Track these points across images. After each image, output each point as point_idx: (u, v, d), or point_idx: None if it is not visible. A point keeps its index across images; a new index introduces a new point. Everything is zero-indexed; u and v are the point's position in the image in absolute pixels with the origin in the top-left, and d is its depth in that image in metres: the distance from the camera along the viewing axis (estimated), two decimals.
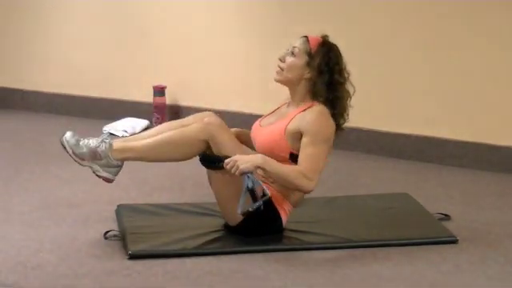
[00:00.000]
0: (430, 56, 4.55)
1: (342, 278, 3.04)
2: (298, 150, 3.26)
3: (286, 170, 3.21)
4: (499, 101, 4.44)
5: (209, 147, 3.27)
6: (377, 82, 4.69)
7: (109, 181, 3.33)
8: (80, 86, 5.52)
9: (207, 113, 3.45)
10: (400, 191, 4.00)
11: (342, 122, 3.36)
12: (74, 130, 3.34)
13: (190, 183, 3.99)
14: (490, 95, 4.46)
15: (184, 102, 5.26)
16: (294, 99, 3.38)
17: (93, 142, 3.27)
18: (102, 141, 3.27)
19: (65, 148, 3.27)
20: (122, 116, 5.30)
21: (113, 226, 3.47)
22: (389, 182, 4.26)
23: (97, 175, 3.31)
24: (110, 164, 3.28)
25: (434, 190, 4.11)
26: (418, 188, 4.10)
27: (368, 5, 4.64)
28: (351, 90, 3.35)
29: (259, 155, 3.22)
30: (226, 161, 3.16)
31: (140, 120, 5.26)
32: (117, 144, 3.29)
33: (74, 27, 5.50)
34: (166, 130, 3.37)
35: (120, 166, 3.31)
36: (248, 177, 3.15)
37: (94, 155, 3.26)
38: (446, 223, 3.58)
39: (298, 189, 3.26)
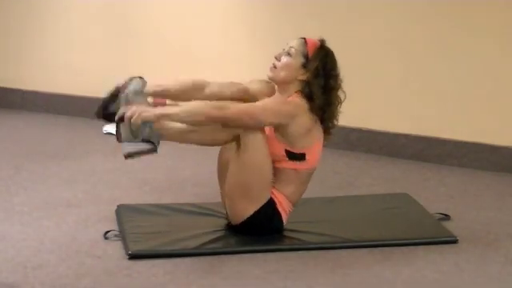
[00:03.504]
0: (430, 56, 4.55)
1: (342, 278, 3.04)
2: (292, 146, 3.27)
3: (192, 106, 3.22)
4: (499, 101, 4.44)
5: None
6: (377, 81, 4.69)
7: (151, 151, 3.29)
8: (80, 86, 5.52)
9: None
10: (400, 191, 4.00)
11: (330, 126, 3.37)
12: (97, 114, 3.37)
13: (190, 183, 3.99)
14: (490, 95, 4.46)
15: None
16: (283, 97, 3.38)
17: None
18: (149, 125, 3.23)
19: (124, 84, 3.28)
20: None
21: (113, 225, 3.47)
22: (389, 181, 4.26)
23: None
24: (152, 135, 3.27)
25: (434, 190, 4.11)
26: (417, 188, 4.10)
27: (368, 5, 4.64)
28: (342, 97, 3.35)
29: (156, 108, 3.22)
30: (125, 111, 3.17)
31: None
32: (157, 124, 3.26)
33: (74, 27, 5.50)
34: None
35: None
36: (147, 125, 3.18)
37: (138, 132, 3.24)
38: (446, 223, 3.58)
39: (210, 120, 3.21)
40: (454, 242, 3.38)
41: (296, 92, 3.33)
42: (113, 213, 3.62)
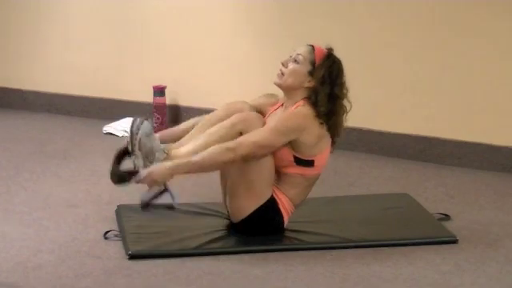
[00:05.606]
0: (430, 56, 4.55)
1: (342, 278, 3.04)
2: (301, 153, 3.27)
3: (204, 155, 3.17)
4: (499, 101, 4.44)
5: None
6: (377, 81, 4.69)
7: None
8: (80, 86, 5.52)
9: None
10: (400, 191, 4.00)
11: (335, 134, 3.36)
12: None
13: (190, 183, 3.98)
14: (489, 95, 4.46)
15: (184, 102, 5.26)
16: (288, 104, 3.37)
17: (157, 144, 3.27)
18: (163, 150, 3.28)
19: (134, 127, 3.23)
20: (122, 116, 5.30)
21: (113, 226, 3.47)
22: (389, 181, 4.26)
23: (134, 166, 3.27)
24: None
25: (434, 190, 4.11)
26: (418, 188, 4.10)
27: (368, 5, 4.64)
28: (348, 107, 3.35)
29: (167, 163, 3.21)
30: (138, 179, 3.20)
31: None
32: (172, 160, 3.26)
33: (74, 27, 5.50)
34: (213, 133, 3.33)
35: None
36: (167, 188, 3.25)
37: (148, 155, 3.25)
38: (446, 223, 3.58)
39: (227, 164, 3.22)
40: (454, 242, 3.39)
41: (302, 99, 3.32)
42: (113, 213, 3.62)
